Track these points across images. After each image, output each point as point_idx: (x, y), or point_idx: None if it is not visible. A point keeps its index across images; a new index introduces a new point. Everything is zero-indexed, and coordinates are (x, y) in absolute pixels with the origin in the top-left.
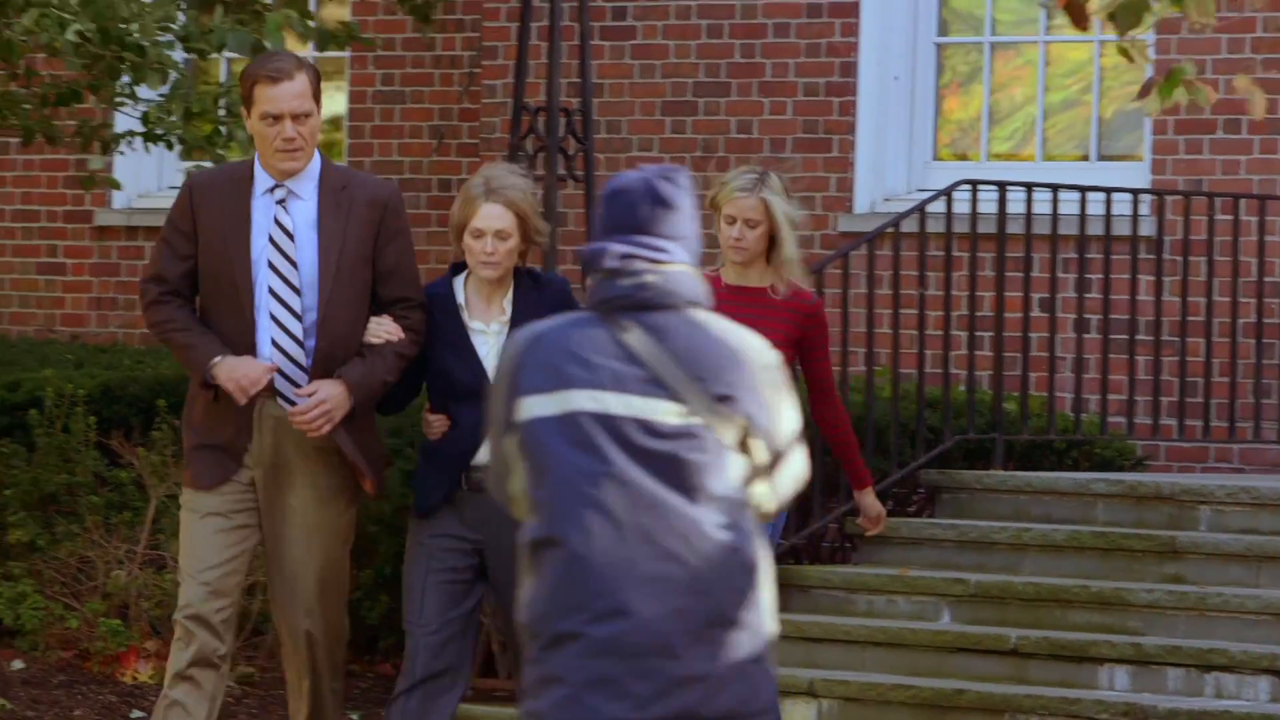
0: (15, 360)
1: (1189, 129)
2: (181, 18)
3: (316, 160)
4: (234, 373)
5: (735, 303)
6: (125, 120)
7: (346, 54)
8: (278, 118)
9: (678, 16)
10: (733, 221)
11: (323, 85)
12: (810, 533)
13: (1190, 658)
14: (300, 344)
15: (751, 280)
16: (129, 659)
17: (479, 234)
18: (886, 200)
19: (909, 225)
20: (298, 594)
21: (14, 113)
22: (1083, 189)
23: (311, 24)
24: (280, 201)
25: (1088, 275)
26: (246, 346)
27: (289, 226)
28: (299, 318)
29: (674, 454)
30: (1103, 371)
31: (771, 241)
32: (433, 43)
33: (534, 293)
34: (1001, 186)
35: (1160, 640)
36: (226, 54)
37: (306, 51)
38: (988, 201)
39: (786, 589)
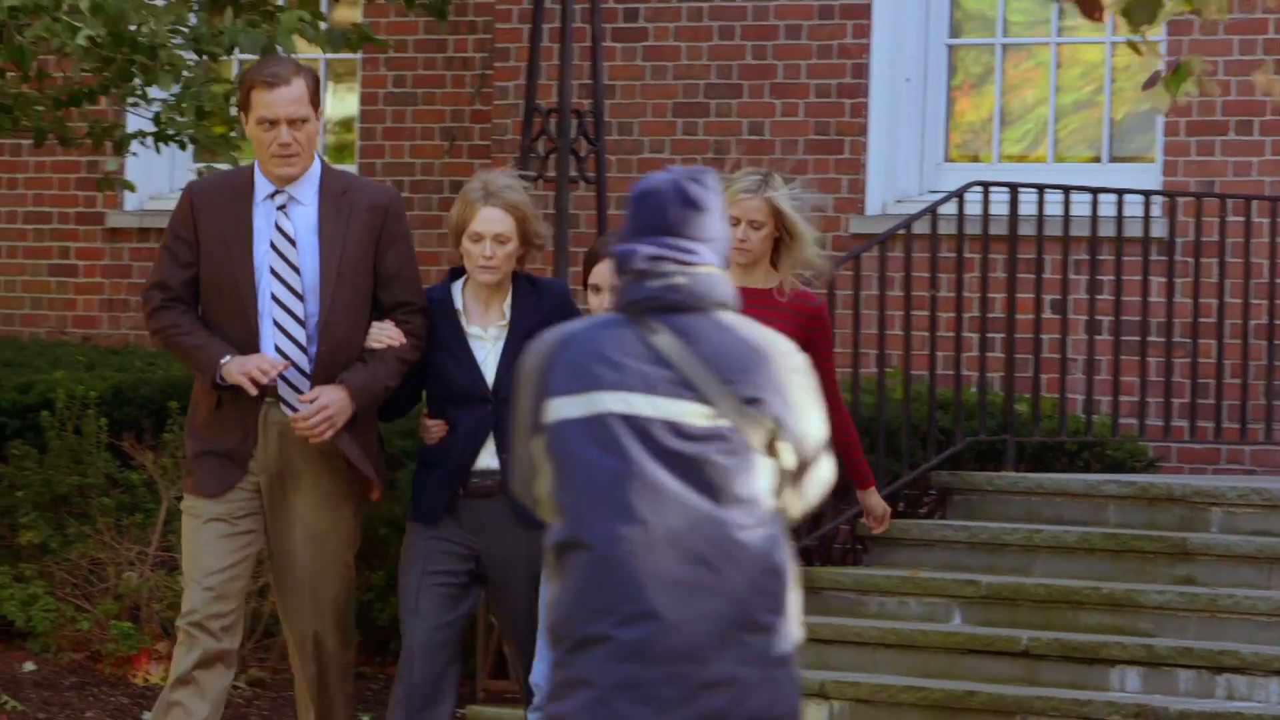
0: (27, 362)
1: (1201, 130)
2: (193, 19)
3: (317, 165)
4: (245, 365)
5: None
6: (137, 121)
7: (358, 55)
8: (274, 123)
9: (689, 18)
10: (736, 223)
11: (335, 86)
12: (821, 534)
13: (1202, 659)
14: (304, 350)
15: (755, 282)
16: (140, 661)
17: (477, 238)
18: (898, 202)
19: (921, 227)
20: (305, 599)
21: (26, 114)
22: (1094, 190)
23: (324, 25)
24: (281, 207)
25: (1099, 277)
26: (250, 353)
27: (290, 232)
28: (302, 323)
29: (702, 456)
30: (1114, 373)
31: (776, 244)
32: (444, 44)
33: (532, 297)
34: (1013, 188)
35: (1172, 642)
36: (239, 55)
37: (317, 53)
38: (999, 203)
39: None
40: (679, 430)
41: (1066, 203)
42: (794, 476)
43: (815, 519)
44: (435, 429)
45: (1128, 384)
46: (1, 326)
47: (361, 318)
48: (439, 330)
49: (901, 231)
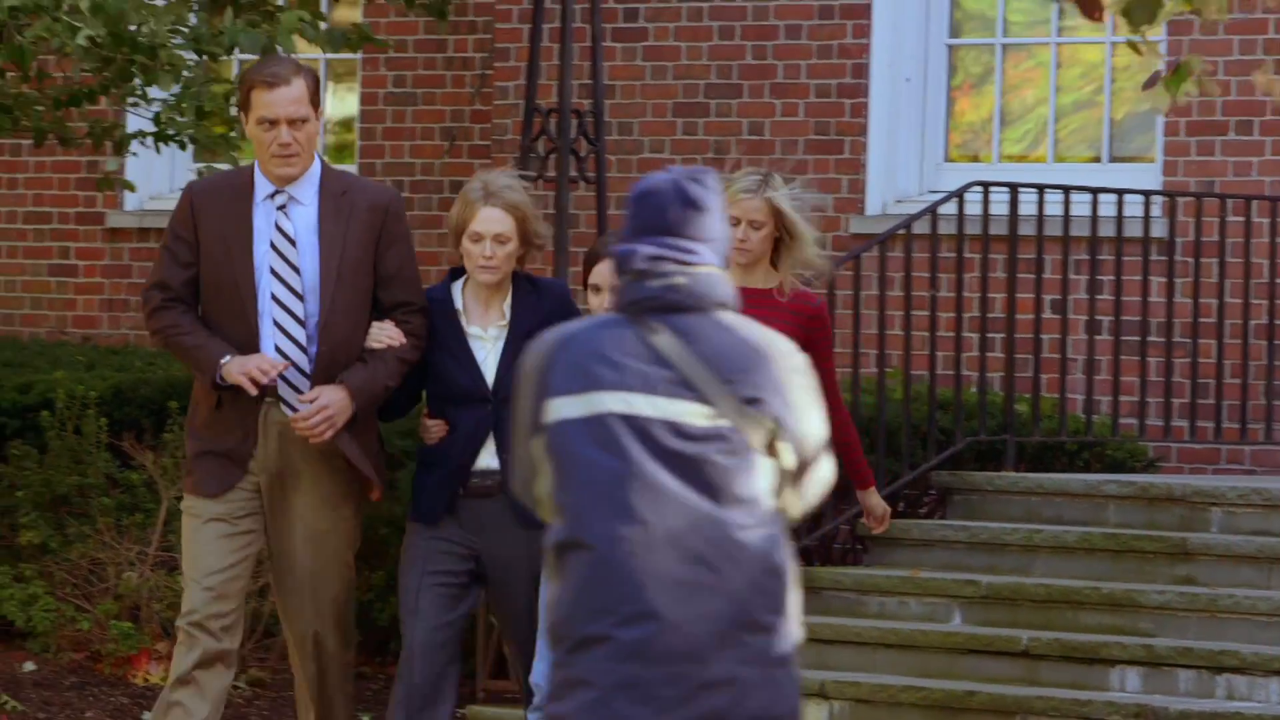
0: (27, 362)
1: (1201, 131)
2: (193, 19)
3: (317, 165)
4: (245, 365)
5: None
6: (137, 121)
7: (358, 55)
8: (274, 123)
9: (689, 18)
10: (736, 223)
11: (335, 86)
12: (821, 534)
13: (1202, 659)
14: (304, 350)
15: (755, 282)
16: (140, 661)
17: (477, 238)
18: (898, 202)
19: (921, 227)
20: (305, 600)
21: (26, 114)
22: (1094, 190)
23: (324, 25)
24: (281, 207)
25: (1099, 277)
26: (250, 353)
27: (290, 232)
28: (302, 323)
29: (702, 456)
30: (1114, 373)
31: (776, 244)
32: (444, 44)
33: (533, 297)
34: (1013, 188)
35: (1172, 642)
36: (239, 55)
37: (318, 53)
38: (999, 203)
39: None
40: (679, 430)
41: (1066, 203)
42: (794, 476)
43: (815, 519)
44: (435, 429)
45: (1128, 384)
46: (2, 326)
47: (361, 318)
48: (439, 330)
49: (901, 231)
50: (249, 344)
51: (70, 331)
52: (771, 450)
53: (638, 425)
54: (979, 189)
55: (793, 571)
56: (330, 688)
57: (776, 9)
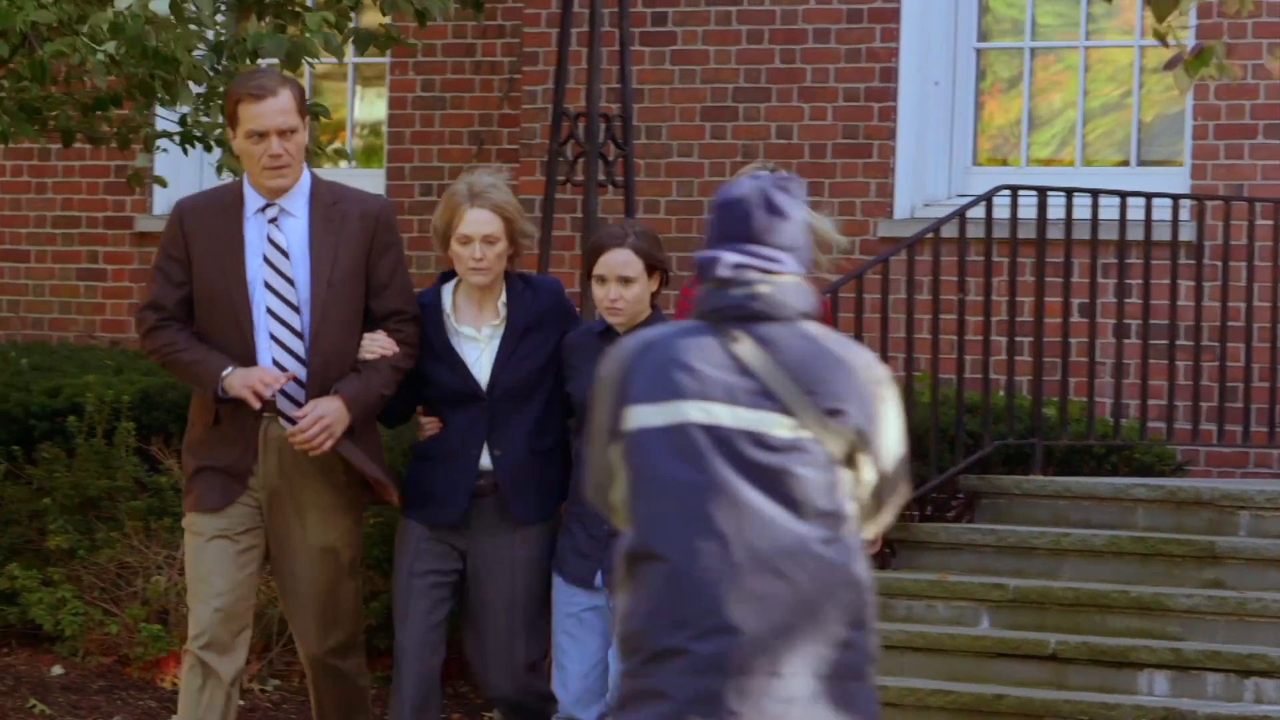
0: (55, 366)
1: (1229, 134)
2: (209, 34)
3: (306, 177)
4: (248, 378)
5: None
6: (164, 121)
7: (387, 59)
8: (263, 135)
9: (718, 22)
10: None
11: (363, 91)
12: None
13: (1230, 663)
14: (303, 362)
15: None
16: (169, 665)
17: (466, 240)
18: (926, 205)
19: (949, 231)
20: (311, 614)
21: (54, 116)
22: (1123, 194)
23: (352, 24)
24: (273, 220)
25: (1128, 280)
26: (248, 368)
27: (283, 244)
28: (299, 335)
29: (783, 468)
30: (1142, 377)
31: None
32: (473, 48)
33: (527, 294)
34: (1041, 192)
35: (1200, 645)
36: (264, 61)
37: (346, 57)
38: (1028, 207)
39: None
40: (760, 441)
41: (1095, 206)
42: (873, 490)
43: None
44: (429, 426)
45: (1156, 387)
46: (30, 330)
47: (355, 327)
48: (428, 333)
49: (930, 235)
50: (246, 359)
51: (99, 335)
52: (851, 463)
53: (719, 436)
54: (1007, 193)
55: (870, 584)
56: (346, 693)
57: (805, 13)
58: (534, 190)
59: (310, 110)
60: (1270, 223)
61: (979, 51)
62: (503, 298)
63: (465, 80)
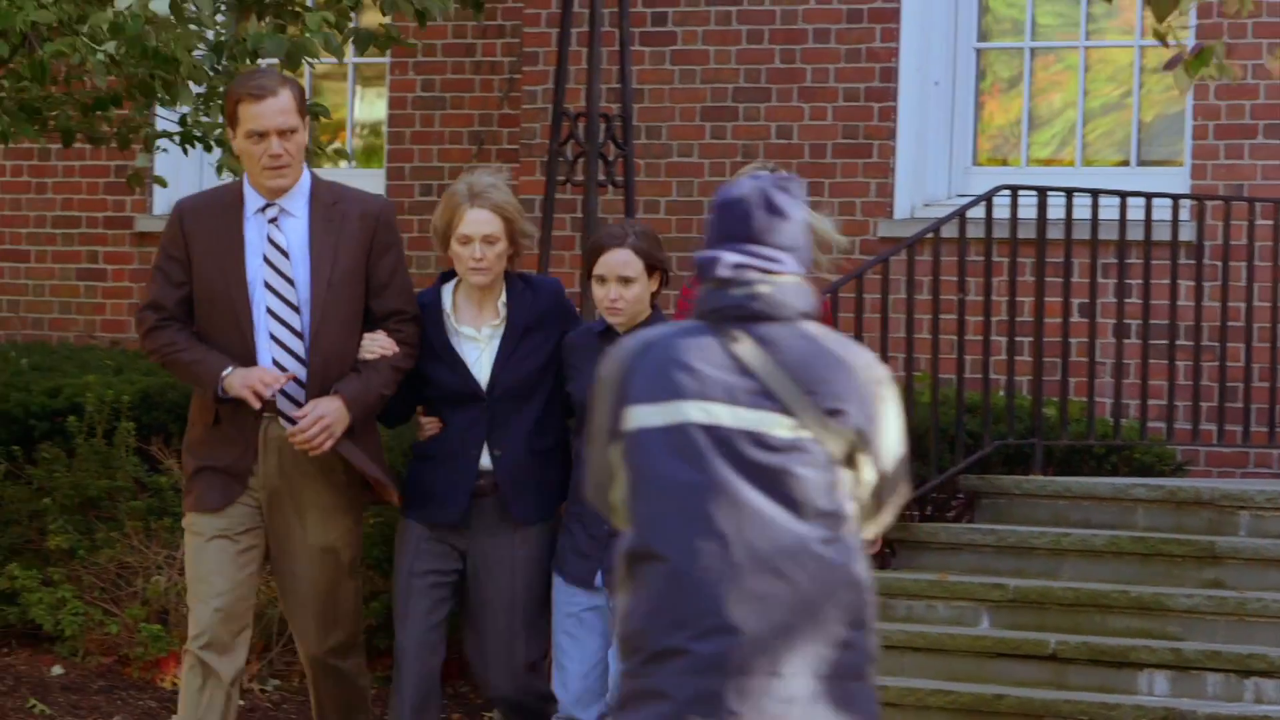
0: (55, 366)
1: (1229, 134)
2: (209, 34)
3: (306, 177)
4: (248, 378)
5: None
6: (164, 121)
7: (387, 59)
8: (263, 135)
9: (718, 22)
10: None
11: (363, 91)
12: None
13: (1230, 663)
14: (303, 362)
15: None
16: (169, 665)
17: (466, 240)
18: (926, 205)
19: (949, 231)
20: (310, 614)
21: (53, 115)
22: (1123, 194)
23: (353, 24)
24: (273, 220)
25: (1128, 280)
26: (248, 368)
27: (283, 245)
28: (299, 335)
29: (783, 468)
30: (1142, 377)
31: None
32: (473, 48)
33: (527, 294)
34: (1041, 192)
35: (1200, 645)
36: (264, 61)
37: (345, 57)
38: (1028, 207)
39: None
40: (761, 441)
41: (1095, 206)
42: (873, 490)
43: None
44: (429, 425)
45: (1156, 387)
46: (30, 330)
47: (355, 327)
48: (427, 334)
49: (930, 235)
50: (246, 359)
51: (99, 336)
52: (851, 463)
53: (719, 436)
54: (1007, 193)
55: (870, 585)
56: (347, 693)
57: (805, 13)
58: (534, 190)
59: (310, 110)
60: (1270, 223)
61: (979, 51)
62: (503, 298)
63: (465, 80)
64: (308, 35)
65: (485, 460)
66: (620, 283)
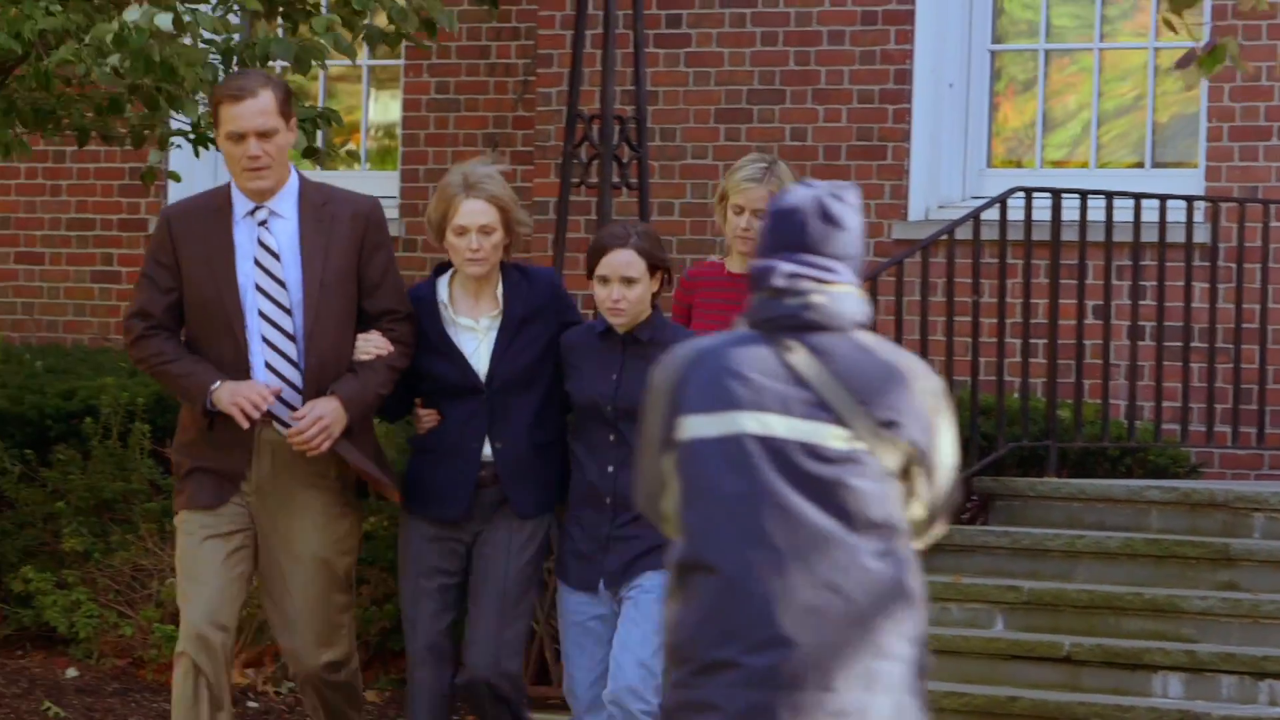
0: (70, 369)
1: (1244, 136)
2: (219, 38)
3: (294, 178)
4: (235, 395)
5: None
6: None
7: (401, 61)
8: (242, 136)
9: (732, 24)
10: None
11: (378, 93)
12: None
13: (1244, 665)
14: (296, 365)
15: None
16: None
17: (462, 231)
18: (941, 207)
19: (963, 232)
20: (300, 632)
21: (68, 113)
22: (1137, 196)
23: (366, 22)
24: (262, 223)
25: (1142, 282)
26: (241, 373)
27: (274, 247)
28: (292, 338)
29: (837, 479)
30: (1157, 379)
31: None
32: (487, 50)
33: (523, 285)
34: (1056, 194)
35: (1214, 648)
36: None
37: (359, 58)
38: (1042, 209)
39: None
40: (815, 452)
41: (1109, 208)
42: (926, 502)
43: None
44: (427, 418)
45: (1170, 389)
46: (45, 333)
47: (348, 328)
48: (424, 326)
49: (944, 237)
50: (239, 363)
51: (113, 338)
52: (905, 474)
53: (773, 447)
54: (1022, 195)
55: (921, 598)
56: (336, 698)
57: (819, 15)
58: (548, 192)
59: (322, 116)
60: None
61: (993, 53)
62: (499, 288)
63: (480, 82)
64: (316, 38)
65: (486, 451)
66: (623, 283)
